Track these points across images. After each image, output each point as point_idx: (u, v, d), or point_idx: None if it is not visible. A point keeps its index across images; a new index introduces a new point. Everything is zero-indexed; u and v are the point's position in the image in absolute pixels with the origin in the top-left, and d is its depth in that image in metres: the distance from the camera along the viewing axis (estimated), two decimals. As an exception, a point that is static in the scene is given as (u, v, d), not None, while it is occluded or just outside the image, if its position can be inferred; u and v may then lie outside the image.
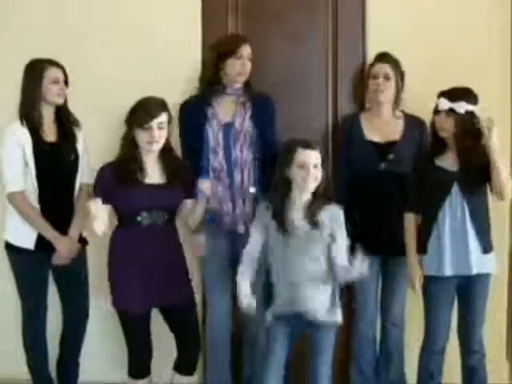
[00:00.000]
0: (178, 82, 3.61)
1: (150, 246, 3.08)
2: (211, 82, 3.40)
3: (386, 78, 3.42)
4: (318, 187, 2.98)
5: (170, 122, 3.15)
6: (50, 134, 3.32)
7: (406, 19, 3.65)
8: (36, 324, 3.39)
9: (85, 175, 3.38)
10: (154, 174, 3.14)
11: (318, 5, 3.74)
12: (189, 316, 3.22)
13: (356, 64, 3.72)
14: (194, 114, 3.36)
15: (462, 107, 3.08)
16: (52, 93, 3.28)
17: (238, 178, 3.32)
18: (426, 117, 3.36)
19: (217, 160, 3.33)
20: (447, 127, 3.11)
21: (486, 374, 3.29)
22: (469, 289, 3.20)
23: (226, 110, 3.38)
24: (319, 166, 2.98)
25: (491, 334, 3.60)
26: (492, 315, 3.59)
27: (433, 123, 3.19)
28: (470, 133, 3.07)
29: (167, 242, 3.15)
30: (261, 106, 3.39)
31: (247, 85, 3.44)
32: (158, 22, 3.66)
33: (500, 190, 3.08)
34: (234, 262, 3.34)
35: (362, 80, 3.62)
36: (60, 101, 3.32)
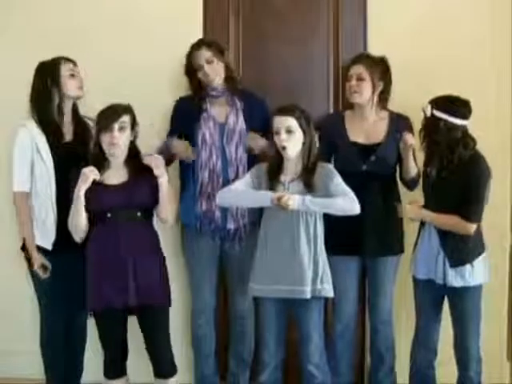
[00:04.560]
0: (180, 81, 3.60)
1: (119, 244, 3.08)
2: (196, 88, 3.46)
3: (360, 79, 3.37)
4: (305, 151, 3.09)
5: (134, 125, 3.16)
6: (66, 133, 3.32)
7: (407, 19, 3.65)
8: (53, 321, 3.36)
9: None
10: (116, 176, 3.14)
11: (318, 5, 3.74)
12: (162, 318, 3.19)
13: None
14: (187, 113, 3.39)
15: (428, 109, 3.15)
16: (72, 87, 3.28)
17: (232, 176, 3.34)
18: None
19: (211, 160, 3.35)
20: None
21: None
22: (454, 303, 3.19)
23: (220, 110, 3.41)
24: (296, 131, 3.07)
25: (492, 334, 3.62)
26: (493, 316, 3.62)
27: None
28: None
29: (138, 238, 3.12)
30: (253, 106, 3.41)
31: (233, 83, 3.44)
32: (159, 23, 3.67)
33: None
34: (221, 259, 3.46)
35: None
36: (81, 93, 3.32)
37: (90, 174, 3.05)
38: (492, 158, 3.50)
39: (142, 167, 3.15)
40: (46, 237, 3.28)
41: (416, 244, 3.28)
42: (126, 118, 3.12)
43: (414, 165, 3.35)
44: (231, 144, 3.36)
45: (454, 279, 3.09)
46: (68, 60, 3.33)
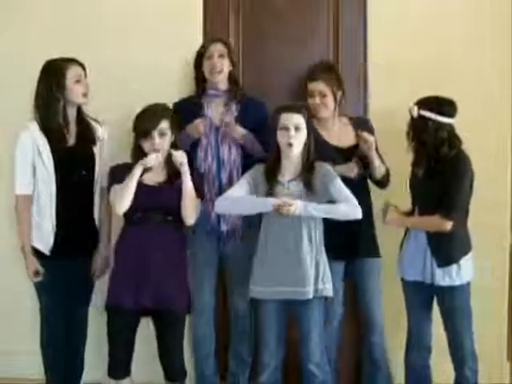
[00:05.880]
0: (179, 80, 3.64)
1: (147, 247, 3.09)
2: (198, 85, 3.49)
3: (322, 95, 3.40)
4: (306, 151, 3.09)
5: (173, 126, 3.16)
6: (70, 137, 3.28)
7: (407, 19, 3.65)
8: (54, 321, 3.34)
9: (105, 179, 3.30)
10: (154, 176, 3.15)
11: (318, 5, 3.74)
12: (179, 324, 3.19)
13: (357, 65, 3.73)
14: (184, 115, 3.38)
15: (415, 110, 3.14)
16: (77, 93, 3.24)
17: (224, 178, 3.35)
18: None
19: (206, 161, 3.37)
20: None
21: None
22: (444, 303, 3.18)
23: (216, 111, 3.43)
24: (303, 129, 3.07)
25: (492, 334, 3.62)
26: (493, 315, 3.62)
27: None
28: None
29: (167, 243, 3.12)
30: (251, 109, 3.42)
31: (235, 86, 3.48)
32: (159, 22, 3.67)
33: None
34: (221, 259, 3.48)
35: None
36: (85, 100, 3.29)
37: (154, 160, 3.08)
38: (492, 158, 3.53)
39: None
40: (43, 240, 3.27)
41: (402, 245, 3.28)
42: (164, 124, 3.11)
43: (381, 163, 3.36)
44: (224, 146, 3.37)
45: (442, 279, 3.10)
46: (75, 63, 3.29)
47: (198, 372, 3.58)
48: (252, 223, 3.30)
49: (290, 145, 3.05)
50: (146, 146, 3.12)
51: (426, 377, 3.33)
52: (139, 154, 3.14)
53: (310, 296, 3.05)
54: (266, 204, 3.02)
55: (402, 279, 3.28)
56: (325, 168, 3.13)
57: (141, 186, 3.10)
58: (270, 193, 3.08)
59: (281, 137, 3.07)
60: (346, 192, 3.07)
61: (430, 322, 3.28)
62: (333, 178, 3.10)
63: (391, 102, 3.57)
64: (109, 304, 3.12)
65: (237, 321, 3.56)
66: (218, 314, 3.61)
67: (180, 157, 3.12)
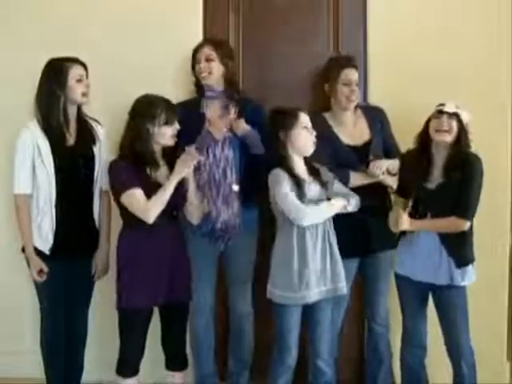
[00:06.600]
0: (178, 80, 3.64)
1: (156, 244, 3.08)
2: (196, 87, 3.50)
3: (357, 84, 3.39)
4: None
5: None
6: (70, 136, 3.28)
7: (407, 19, 3.65)
8: (54, 321, 3.33)
9: (104, 179, 3.29)
10: (163, 172, 3.13)
11: (318, 5, 3.74)
12: (183, 311, 3.25)
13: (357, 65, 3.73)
14: (184, 118, 3.34)
15: (466, 116, 3.08)
16: (77, 92, 3.24)
17: (217, 175, 3.34)
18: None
19: (207, 161, 3.34)
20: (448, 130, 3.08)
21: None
22: (441, 299, 3.17)
23: (214, 112, 3.41)
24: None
25: (491, 334, 3.63)
26: (493, 316, 3.62)
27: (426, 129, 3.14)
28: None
29: (173, 238, 3.15)
30: (249, 111, 3.40)
31: (233, 87, 3.47)
32: (158, 21, 3.67)
33: None
34: (220, 259, 3.51)
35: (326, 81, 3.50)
36: (85, 100, 3.29)
37: (195, 155, 3.07)
38: (492, 158, 3.52)
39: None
40: (42, 240, 3.26)
41: (398, 241, 3.25)
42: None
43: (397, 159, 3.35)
44: (217, 144, 3.35)
45: (462, 279, 3.08)
46: (78, 62, 3.28)
47: (198, 372, 3.58)
48: (252, 222, 3.30)
49: (312, 146, 3.09)
50: (167, 133, 3.09)
51: (421, 376, 3.33)
52: (150, 143, 3.09)
53: (345, 290, 3.12)
54: (341, 207, 3.09)
55: (398, 275, 3.25)
56: (324, 168, 3.18)
57: (150, 184, 3.07)
58: (301, 194, 3.04)
59: (302, 137, 3.08)
60: (345, 187, 3.18)
61: (425, 319, 3.27)
62: (333, 177, 3.16)
63: (391, 101, 3.56)
64: (122, 305, 3.10)
65: (237, 321, 3.56)
66: (218, 314, 3.61)
67: (184, 154, 3.11)
